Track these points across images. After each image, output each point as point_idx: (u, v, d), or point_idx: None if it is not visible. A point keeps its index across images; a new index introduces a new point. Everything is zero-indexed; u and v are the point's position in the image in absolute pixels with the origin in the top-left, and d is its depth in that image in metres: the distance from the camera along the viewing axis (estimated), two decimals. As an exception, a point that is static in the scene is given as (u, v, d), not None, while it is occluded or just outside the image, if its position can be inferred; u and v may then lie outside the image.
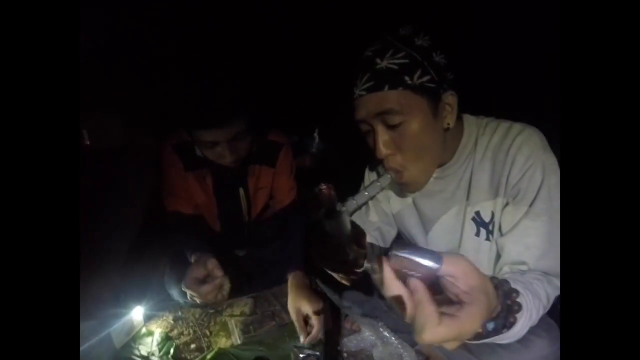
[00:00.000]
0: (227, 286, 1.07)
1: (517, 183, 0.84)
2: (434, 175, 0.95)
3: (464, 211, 0.94)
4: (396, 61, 0.79)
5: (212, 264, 1.08)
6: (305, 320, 1.16)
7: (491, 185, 0.89)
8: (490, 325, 0.55)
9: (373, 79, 0.80)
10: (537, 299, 0.71)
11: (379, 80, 0.80)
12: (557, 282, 0.79)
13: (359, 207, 0.81)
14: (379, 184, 0.84)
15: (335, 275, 0.83)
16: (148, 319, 1.28)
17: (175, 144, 1.33)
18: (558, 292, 0.79)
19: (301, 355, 1.08)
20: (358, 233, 0.70)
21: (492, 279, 0.57)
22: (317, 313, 1.12)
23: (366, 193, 0.81)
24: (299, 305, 1.15)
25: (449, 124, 0.85)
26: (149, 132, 1.41)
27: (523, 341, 0.80)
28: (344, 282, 0.83)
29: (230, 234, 1.47)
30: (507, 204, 0.86)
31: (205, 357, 1.11)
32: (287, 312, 1.23)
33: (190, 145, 1.30)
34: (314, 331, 1.10)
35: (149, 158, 1.37)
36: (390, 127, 0.82)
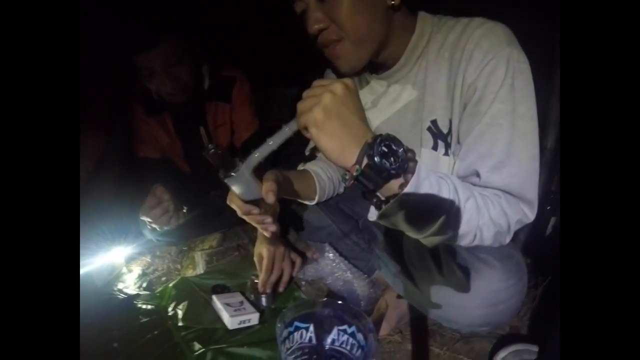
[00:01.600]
0: (171, 207, 1.14)
1: (474, 81, 0.72)
2: (384, 80, 0.87)
3: (420, 121, 0.83)
4: None
5: (160, 190, 1.15)
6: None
7: (448, 89, 0.78)
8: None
9: None
10: (475, 207, 0.67)
11: None
12: (524, 207, 0.71)
13: (262, 159, 0.72)
14: (287, 129, 0.70)
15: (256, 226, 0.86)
16: (130, 260, 1.38)
17: (135, 92, 1.37)
18: (525, 219, 0.72)
19: (255, 281, 1.12)
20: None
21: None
22: (271, 258, 1.11)
23: (271, 142, 0.70)
24: (260, 249, 1.15)
25: (393, 2, 0.75)
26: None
27: (470, 269, 0.74)
28: (264, 232, 0.86)
29: (200, 174, 1.51)
30: (464, 109, 0.75)
31: (168, 284, 1.18)
32: (254, 245, 1.25)
33: (147, 91, 1.33)
34: (263, 274, 1.09)
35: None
36: (322, 0, 0.73)
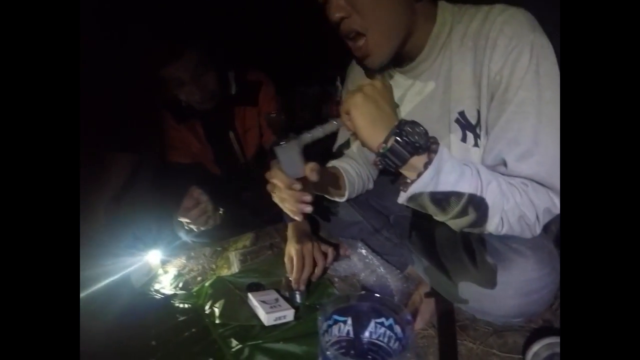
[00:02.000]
0: (209, 208, 1.21)
1: (499, 70, 0.72)
2: (408, 73, 0.87)
3: (448, 113, 0.82)
4: None
5: (197, 192, 1.21)
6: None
7: (474, 78, 0.77)
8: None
9: None
10: (499, 191, 0.68)
11: None
12: (553, 196, 0.70)
13: (313, 141, 0.78)
14: (335, 122, 0.78)
15: (283, 207, 0.88)
16: (165, 261, 1.42)
17: (164, 101, 1.42)
18: (554, 209, 0.70)
19: (290, 279, 1.14)
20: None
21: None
22: (300, 256, 1.13)
23: (321, 129, 0.77)
24: (289, 248, 1.18)
25: None
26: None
27: (502, 260, 0.74)
28: (295, 217, 0.87)
29: (231, 177, 1.54)
30: (492, 98, 0.75)
31: (204, 284, 1.21)
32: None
33: (176, 100, 1.37)
34: (294, 273, 1.11)
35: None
36: None
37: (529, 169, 0.69)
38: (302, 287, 1.10)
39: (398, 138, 0.66)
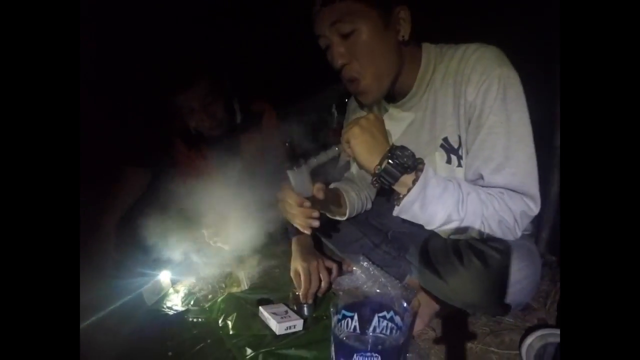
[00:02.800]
0: None
1: (473, 100, 0.86)
2: (400, 107, 1.01)
3: (434, 139, 0.96)
4: None
5: None
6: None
7: (454, 109, 0.91)
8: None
9: None
10: (478, 200, 0.80)
11: None
12: (528, 201, 0.82)
13: (318, 166, 0.91)
14: (336, 148, 0.90)
15: (294, 222, 0.99)
16: (175, 281, 1.49)
17: (175, 128, 1.53)
18: (530, 212, 0.82)
19: (297, 294, 1.21)
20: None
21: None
22: (307, 272, 1.22)
23: (325, 154, 0.90)
24: (295, 265, 1.26)
25: (403, 36, 0.89)
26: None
27: (485, 258, 0.84)
28: (305, 230, 0.98)
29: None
30: (469, 123, 0.89)
31: (216, 300, 1.28)
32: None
33: (186, 128, 1.48)
34: (302, 289, 1.20)
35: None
36: (345, 37, 0.87)
37: (503, 180, 0.82)
38: (310, 301, 1.18)
39: (390, 160, 0.79)
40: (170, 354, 1.05)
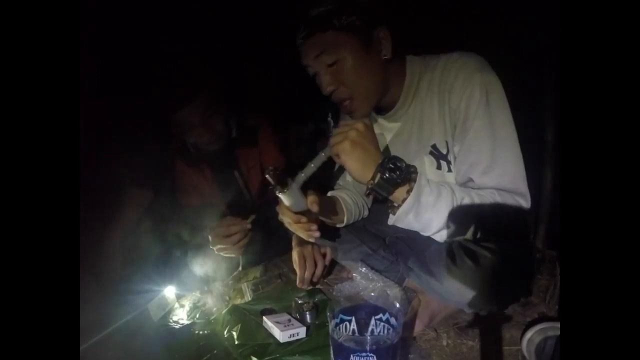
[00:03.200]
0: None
1: (457, 107, 0.90)
2: (389, 118, 1.05)
3: (423, 147, 1.00)
4: (324, 8, 0.89)
5: (230, 219, 1.36)
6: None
7: (440, 117, 0.95)
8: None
9: (307, 28, 0.91)
10: (471, 203, 0.83)
11: (311, 28, 0.91)
12: (519, 198, 0.85)
13: (307, 178, 0.94)
14: (323, 154, 0.94)
15: (298, 233, 1.04)
16: (180, 296, 1.51)
17: (175, 148, 1.58)
18: (522, 209, 0.85)
19: (299, 302, 1.24)
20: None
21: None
22: (302, 256, 1.30)
23: (312, 165, 0.93)
24: (294, 254, 1.35)
25: (385, 55, 0.94)
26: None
27: (476, 257, 0.87)
28: (309, 240, 1.05)
29: (240, 214, 1.66)
30: (455, 129, 0.93)
31: (221, 312, 1.31)
32: (294, 273, 1.40)
33: (185, 146, 1.53)
34: (298, 273, 1.28)
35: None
36: (330, 66, 0.92)
37: (492, 181, 0.86)
38: (307, 286, 1.26)
39: (383, 175, 0.81)
40: (177, 364, 1.08)
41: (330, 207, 1.12)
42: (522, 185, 0.86)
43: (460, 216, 0.83)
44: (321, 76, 0.95)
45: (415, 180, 0.82)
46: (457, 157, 0.93)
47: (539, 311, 1.09)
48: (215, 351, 1.11)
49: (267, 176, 0.92)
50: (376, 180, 0.82)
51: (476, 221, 0.85)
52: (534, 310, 1.11)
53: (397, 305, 0.78)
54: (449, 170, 0.97)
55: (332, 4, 0.89)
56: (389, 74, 0.97)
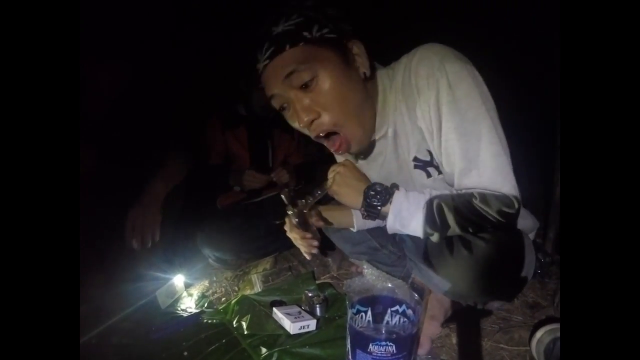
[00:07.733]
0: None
1: (428, 108, 0.81)
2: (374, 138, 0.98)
3: (405, 163, 0.95)
4: (292, 22, 0.79)
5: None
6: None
7: (412, 124, 0.87)
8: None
9: (273, 44, 0.79)
10: (453, 206, 0.79)
11: (279, 43, 0.79)
12: (503, 198, 0.78)
13: (313, 203, 0.99)
14: (326, 186, 0.96)
15: (301, 248, 1.07)
16: (189, 285, 1.52)
17: (220, 112, 1.83)
18: (507, 208, 0.78)
19: (310, 295, 1.24)
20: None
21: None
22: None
23: (318, 192, 0.97)
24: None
25: (364, 72, 0.84)
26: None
27: (472, 248, 0.82)
28: (307, 255, 1.07)
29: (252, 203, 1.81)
30: (432, 134, 0.84)
31: (230, 302, 1.31)
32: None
33: (235, 110, 1.79)
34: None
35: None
36: (305, 89, 0.80)
37: (471, 182, 0.80)
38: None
39: (366, 201, 0.85)
40: (185, 354, 1.08)
41: (340, 215, 1.16)
42: (505, 184, 0.78)
43: (444, 218, 0.79)
44: (295, 104, 0.81)
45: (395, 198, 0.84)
46: (438, 162, 0.89)
47: (547, 314, 1.09)
48: (224, 340, 1.11)
49: (282, 195, 0.99)
50: (363, 208, 0.86)
51: (459, 225, 0.79)
52: (543, 313, 1.11)
53: (415, 296, 0.78)
54: (440, 173, 0.91)
55: (300, 17, 0.79)
56: (368, 93, 0.87)
